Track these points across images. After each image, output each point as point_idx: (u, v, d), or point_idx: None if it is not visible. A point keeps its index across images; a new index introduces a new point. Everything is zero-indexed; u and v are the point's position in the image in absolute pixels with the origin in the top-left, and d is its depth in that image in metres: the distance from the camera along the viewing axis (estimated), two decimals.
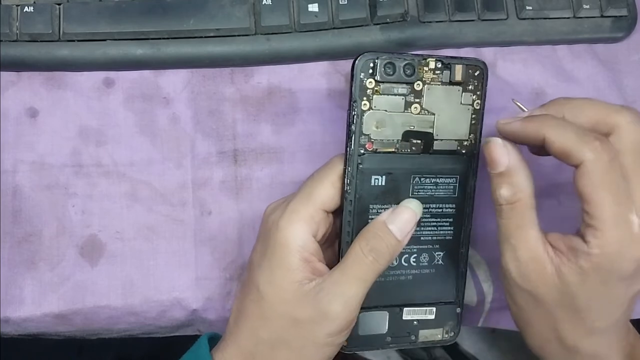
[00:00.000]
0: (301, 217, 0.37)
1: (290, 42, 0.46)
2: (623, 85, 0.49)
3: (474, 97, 0.39)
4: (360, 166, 0.38)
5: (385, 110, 0.38)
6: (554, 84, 0.48)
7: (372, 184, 0.38)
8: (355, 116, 0.37)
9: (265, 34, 0.46)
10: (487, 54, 0.48)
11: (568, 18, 0.48)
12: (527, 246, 0.36)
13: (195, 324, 0.45)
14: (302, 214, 0.37)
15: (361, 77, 0.37)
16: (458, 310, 0.41)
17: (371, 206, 0.39)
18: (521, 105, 0.39)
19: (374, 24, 0.46)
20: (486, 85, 0.39)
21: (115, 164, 0.45)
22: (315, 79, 0.47)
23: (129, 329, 0.44)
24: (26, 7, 0.44)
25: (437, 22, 0.47)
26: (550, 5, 0.48)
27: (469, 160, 0.40)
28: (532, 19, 0.48)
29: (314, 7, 0.46)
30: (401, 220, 0.37)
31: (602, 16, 0.48)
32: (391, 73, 0.37)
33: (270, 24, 0.45)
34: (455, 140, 0.39)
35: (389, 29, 0.46)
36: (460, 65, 0.38)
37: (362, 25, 0.46)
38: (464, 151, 0.40)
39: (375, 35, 0.46)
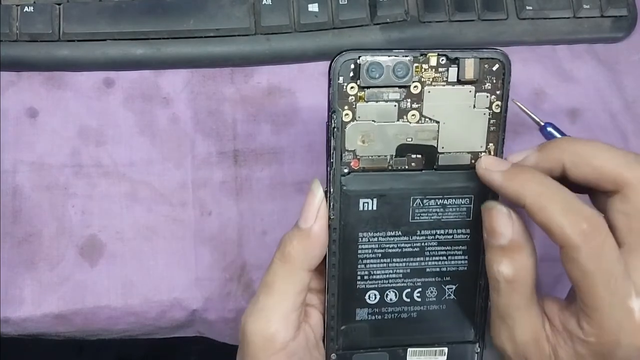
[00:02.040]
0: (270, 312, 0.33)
1: (290, 42, 0.46)
2: (623, 85, 0.49)
3: (493, 97, 0.32)
4: (344, 188, 0.32)
5: (373, 121, 0.32)
6: (554, 84, 0.48)
7: (361, 208, 0.33)
8: (334, 129, 0.31)
9: (265, 34, 0.46)
10: None
11: (568, 18, 0.48)
12: (525, 328, 0.31)
13: (195, 325, 0.45)
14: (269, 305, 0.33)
15: (340, 81, 0.31)
16: (477, 349, 0.36)
17: (360, 235, 0.33)
18: (521, 106, 0.38)
19: (374, 24, 0.46)
20: (508, 83, 0.32)
21: (115, 164, 0.45)
22: (315, 79, 0.47)
23: (129, 329, 0.44)
24: (26, 7, 0.44)
25: (437, 22, 0.47)
26: (550, 5, 0.48)
27: None
28: (532, 19, 0.48)
29: (314, 7, 0.46)
30: (303, 210, 0.32)
31: (602, 16, 0.48)
32: (377, 76, 0.31)
33: (270, 24, 0.45)
34: (468, 152, 0.33)
35: (389, 29, 0.46)
36: (472, 60, 0.32)
37: (362, 25, 0.46)
38: None
39: (375, 35, 0.46)
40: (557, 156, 0.31)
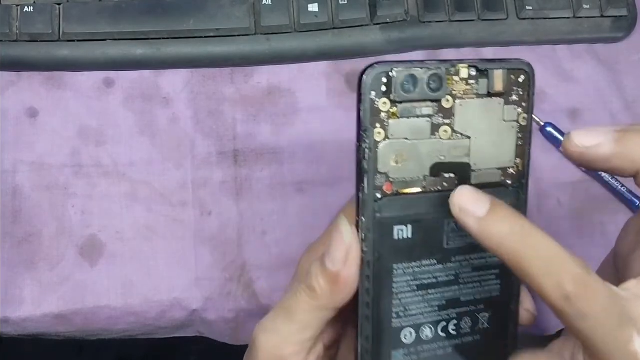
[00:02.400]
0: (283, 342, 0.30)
1: (290, 42, 0.46)
2: (623, 85, 0.49)
3: (520, 110, 0.30)
4: (378, 215, 0.29)
5: (406, 139, 0.29)
6: (554, 84, 0.48)
7: (395, 237, 0.30)
8: (366, 150, 0.29)
9: (265, 34, 0.46)
10: (487, 54, 0.48)
11: (568, 18, 0.48)
12: None
13: (195, 325, 0.45)
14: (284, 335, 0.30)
15: (372, 97, 0.28)
16: None
17: (395, 267, 0.30)
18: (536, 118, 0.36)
19: (374, 24, 0.46)
20: (533, 94, 0.31)
21: (115, 164, 0.45)
22: (315, 79, 0.47)
23: (129, 329, 0.44)
24: (26, 7, 0.44)
25: (437, 22, 0.47)
26: (550, 5, 0.48)
27: (517, 193, 0.31)
28: (532, 19, 0.48)
29: (314, 7, 0.46)
30: (329, 249, 0.29)
31: (602, 16, 0.48)
32: (412, 89, 0.29)
33: (270, 24, 0.45)
34: (498, 169, 0.31)
35: (389, 29, 0.46)
36: (501, 71, 0.30)
37: (362, 25, 0.46)
38: (509, 182, 0.31)
39: (375, 35, 0.46)
40: (637, 158, 0.28)
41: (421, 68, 0.29)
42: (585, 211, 0.46)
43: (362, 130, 0.29)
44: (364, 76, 0.28)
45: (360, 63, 0.47)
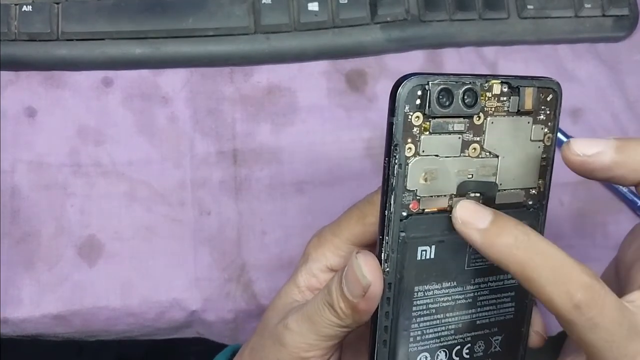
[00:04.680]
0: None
1: (290, 41, 0.46)
2: (625, 84, 0.48)
3: (546, 129, 0.30)
4: (403, 234, 0.28)
5: (437, 156, 0.28)
6: None
7: (419, 257, 0.29)
8: (396, 166, 0.27)
9: (265, 33, 0.46)
10: (488, 53, 0.48)
11: (569, 17, 0.48)
12: None
13: (194, 326, 0.45)
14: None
15: (406, 110, 0.27)
16: None
17: (417, 289, 0.29)
18: None
19: (375, 23, 0.46)
20: (559, 115, 0.30)
21: (113, 163, 0.44)
22: (315, 78, 0.47)
23: (128, 330, 0.44)
24: (24, 6, 0.44)
25: (437, 21, 0.47)
26: (552, 4, 0.48)
27: (536, 215, 0.30)
28: (534, 18, 0.48)
29: (314, 6, 0.46)
30: (347, 277, 0.29)
31: (603, 15, 0.48)
32: (447, 103, 0.27)
33: (269, 22, 0.45)
34: (522, 189, 0.30)
35: (389, 28, 0.46)
36: (531, 89, 0.29)
37: (362, 24, 0.46)
38: (530, 202, 0.30)
39: (375, 34, 0.46)
40: (639, 167, 0.27)
41: (457, 82, 0.27)
42: (587, 211, 0.46)
43: (393, 145, 0.27)
44: (400, 88, 0.27)
45: (360, 62, 0.47)
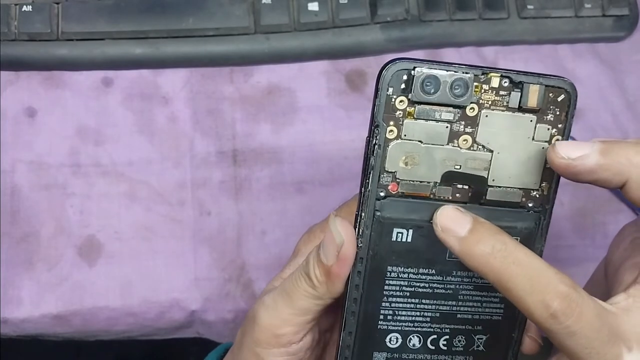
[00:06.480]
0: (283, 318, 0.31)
1: (290, 41, 0.46)
2: (625, 84, 0.48)
3: (554, 131, 0.29)
4: (378, 214, 0.29)
5: (420, 142, 0.28)
6: None
7: (394, 239, 0.29)
8: (376, 146, 0.28)
9: (265, 33, 0.46)
10: (488, 53, 0.48)
11: (569, 17, 0.48)
12: None
13: (194, 326, 0.45)
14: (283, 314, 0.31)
15: (389, 93, 0.27)
16: None
17: (389, 269, 0.29)
18: None
19: (375, 23, 0.46)
20: (572, 117, 0.29)
21: (113, 163, 0.44)
22: (315, 78, 0.47)
23: (128, 330, 0.44)
24: (25, 6, 0.44)
25: (438, 21, 0.47)
26: (552, 4, 0.48)
27: (537, 218, 0.30)
28: (534, 18, 0.48)
29: (313, 6, 0.46)
30: (323, 242, 0.29)
31: (603, 15, 0.48)
32: (433, 91, 0.27)
33: (269, 22, 0.45)
34: (520, 189, 0.29)
35: (389, 28, 0.46)
36: (537, 86, 0.28)
37: (362, 24, 0.46)
38: (530, 204, 0.30)
39: (375, 34, 0.46)
40: (623, 169, 0.27)
41: (447, 71, 0.27)
42: (587, 211, 0.46)
43: (373, 126, 0.28)
44: (384, 71, 0.27)
45: (360, 62, 0.47)
